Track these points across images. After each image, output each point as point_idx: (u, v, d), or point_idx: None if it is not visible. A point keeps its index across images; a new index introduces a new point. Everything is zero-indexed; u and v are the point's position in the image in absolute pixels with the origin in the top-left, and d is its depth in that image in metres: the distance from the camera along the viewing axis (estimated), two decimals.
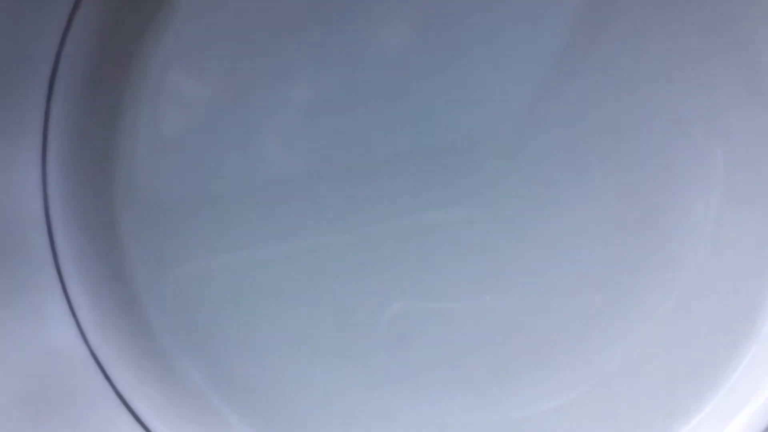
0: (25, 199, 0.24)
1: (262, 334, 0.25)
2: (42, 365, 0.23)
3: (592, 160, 0.24)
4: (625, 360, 0.25)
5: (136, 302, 0.25)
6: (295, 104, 0.24)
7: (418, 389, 0.25)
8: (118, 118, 0.24)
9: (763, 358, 0.24)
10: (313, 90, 0.24)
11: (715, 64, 0.24)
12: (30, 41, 0.23)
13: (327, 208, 0.24)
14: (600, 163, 0.24)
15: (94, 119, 0.24)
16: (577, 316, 0.25)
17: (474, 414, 0.25)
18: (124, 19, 0.24)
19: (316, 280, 0.25)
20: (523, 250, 0.24)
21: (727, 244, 0.24)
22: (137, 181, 0.25)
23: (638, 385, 0.25)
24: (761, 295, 0.24)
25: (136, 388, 0.24)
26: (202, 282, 0.25)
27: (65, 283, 0.24)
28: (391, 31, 0.24)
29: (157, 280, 0.25)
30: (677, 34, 0.24)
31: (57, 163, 0.24)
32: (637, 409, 0.25)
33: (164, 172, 0.25)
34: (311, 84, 0.24)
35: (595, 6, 0.24)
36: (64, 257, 0.24)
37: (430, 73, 0.24)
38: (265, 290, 0.25)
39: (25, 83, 0.23)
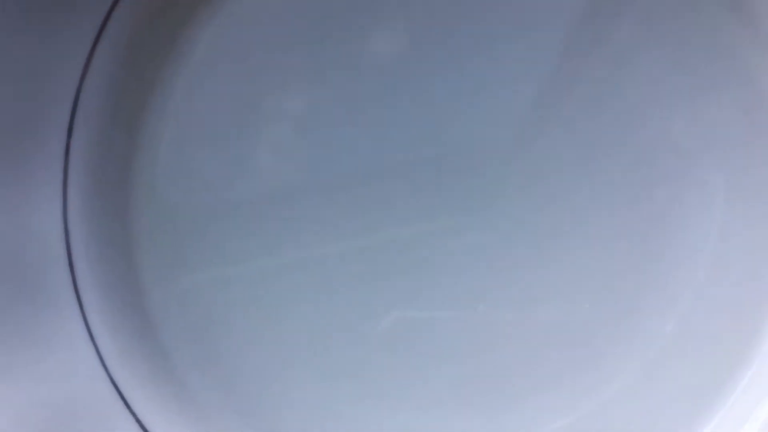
0: (46, 232, 0.24)
1: (262, 347, 0.25)
2: (63, 394, 0.24)
3: (589, 174, 0.24)
4: (625, 379, 0.25)
5: (154, 330, 0.25)
6: (291, 115, 0.25)
7: (414, 400, 0.25)
8: (137, 151, 0.25)
9: (763, 378, 0.24)
10: (309, 101, 0.25)
11: (714, 93, 0.24)
12: (51, 71, 0.23)
13: (322, 218, 0.25)
14: (598, 178, 0.24)
15: (114, 151, 0.25)
16: (575, 331, 0.25)
17: (470, 425, 0.25)
18: (147, 47, 0.24)
19: (312, 290, 0.25)
20: (519, 259, 0.25)
21: (728, 265, 0.24)
22: (157, 215, 0.25)
23: (637, 405, 0.25)
24: (761, 316, 0.24)
25: (155, 414, 0.25)
26: (216, 306, 0.25)
27: (85, 313, 0.25)
28: (387, 40, 0.24)
29: (175, 311, 0.25)
30: (676, 63, 0.24)
31: (78, 195, 0.25)
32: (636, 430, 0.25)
33: (185, 204, 0.25)
34: (308, 95, 0.25)
35: (593, 30, 0.24)
36: (84, 288, 0.25)
37: (426, 82, 0.24)
38: (261, 303, 0.25)
39: (45, 114, 0.24)
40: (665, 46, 0.24)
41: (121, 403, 0.25)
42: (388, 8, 0.24)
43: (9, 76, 0.23)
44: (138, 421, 0.25)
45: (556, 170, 0.24)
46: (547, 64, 0.24)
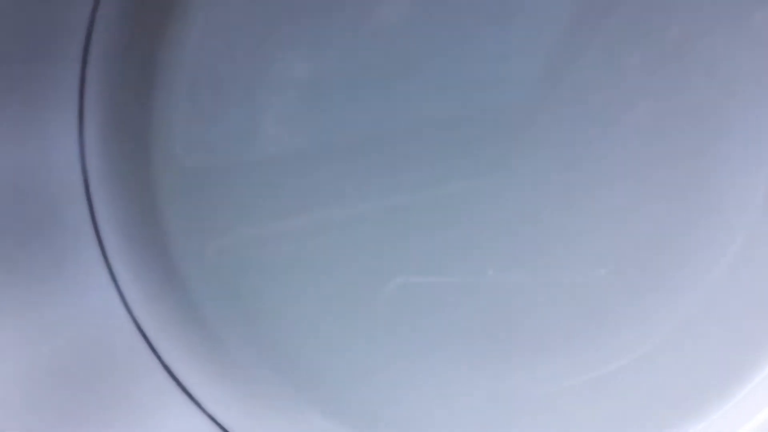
0: (63, 168, 0.24)
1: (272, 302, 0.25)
2: (85, 335, 0.23)
3: (605, 137, 0.23)
4: (640, 349, 0.24)
5: (176, 269, 0.25)
6: (295, 80, 0.24)
7: (419, 366, 0.25)
8: (153, 85, 0.24)
9: None
10: (312, 66, 0.24)
11: (759, 18, 0.22)
12: (64, 7, 0.23)
13: (329, 183, 0.24)
14: (612, 139, 0.23)
15: (130, 85, 0.24)
16: (590, 296, 0.24)
17: (470, 390, 0.25)
18: None
19: (317, 255, 0.24)
20: (529, 224, 0.24)
21: (760, 244, 0.23)
22: (174, 149, 0.24)
23: (654, 378, 0.24)
24: None
25: (180, 356, 0.25)
26: (238, 249, 0.25)
27: (106, 251, 0.24)
28: (394, 3, 0.24)
29: (195, 246, 0.25)
30: None
31: (94, 131, 0.24)
32: (648, 405, 0.24)
33: (200, 139, 0.24)
34: (310, 60, 0.24)
35: None
36: (104, 225, 0.24)
37: (435, 45, 0.23)
38: (265, 265, 0.25)
39: (59, 52, 0.23)
40: None
41: (146, 345, 0.24)
42: None
43: (21, 7, 0.22)
44: (163, 363, 0.24)
45: (569, 130, 0.23)
46: (564, 15, 0.23)
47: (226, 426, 0.25)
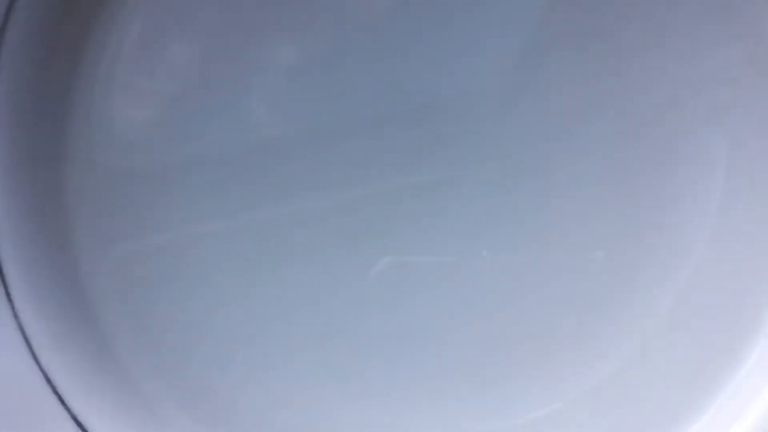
0: None
1: (245, 307, 0.24)
2: None
3: (586, 119, 0.23)
4: (632, 337, 0.24)
5: (90, 312, 0.23)
6: (280, 65, 0.24)
7: (407, 354, 0.24)
8: (70, 103, 0.23)
9: (766, 361, 0.23)
10: (298, 51, 0.24)
11: (719, 45, 0.23)
12: None
13: (316, 168, 0.24)
14: (596, 121, 0.23)
15: (43, 106, 0.23)
16: (583, 279, 0.24)
17: (460, 378, 0.24)
18: None
19: (304, 241, 0.24)
20: (522, 205, 0.24)
21: (729, 240, 0.23)
22: (94, 178, 0.23)
23: (638, 382, 0.24)
24: (764, 295, 0.23)
25: (90, 405, 0.23)
26: (161, 281, 0.24)
27: (11, 296, 0.22)
28: None
29: (115, 289, 0.23)
30: (677, 11, 0.23)
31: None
32: (635, 413, 0.24)
33: (120, 163, 0.23)
34: (296, 44, 0.23)
35: None
36: (8, 267, 0.22)
37: (419, 32, 0.23)
38: (253, 255, 0.24)
39: None
40: None
41: (52, 394, 0.22)
42: None
43: None
44: (73, 416, 0.22)
45: (555, 113, 0.23)
46: (541, 9, 0.23)
47: None
